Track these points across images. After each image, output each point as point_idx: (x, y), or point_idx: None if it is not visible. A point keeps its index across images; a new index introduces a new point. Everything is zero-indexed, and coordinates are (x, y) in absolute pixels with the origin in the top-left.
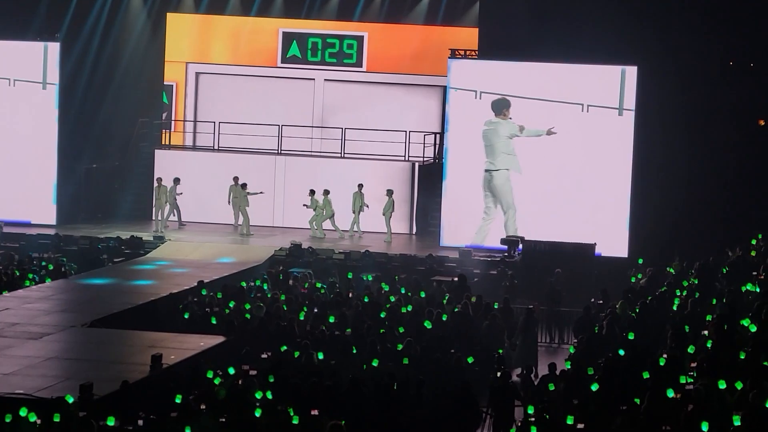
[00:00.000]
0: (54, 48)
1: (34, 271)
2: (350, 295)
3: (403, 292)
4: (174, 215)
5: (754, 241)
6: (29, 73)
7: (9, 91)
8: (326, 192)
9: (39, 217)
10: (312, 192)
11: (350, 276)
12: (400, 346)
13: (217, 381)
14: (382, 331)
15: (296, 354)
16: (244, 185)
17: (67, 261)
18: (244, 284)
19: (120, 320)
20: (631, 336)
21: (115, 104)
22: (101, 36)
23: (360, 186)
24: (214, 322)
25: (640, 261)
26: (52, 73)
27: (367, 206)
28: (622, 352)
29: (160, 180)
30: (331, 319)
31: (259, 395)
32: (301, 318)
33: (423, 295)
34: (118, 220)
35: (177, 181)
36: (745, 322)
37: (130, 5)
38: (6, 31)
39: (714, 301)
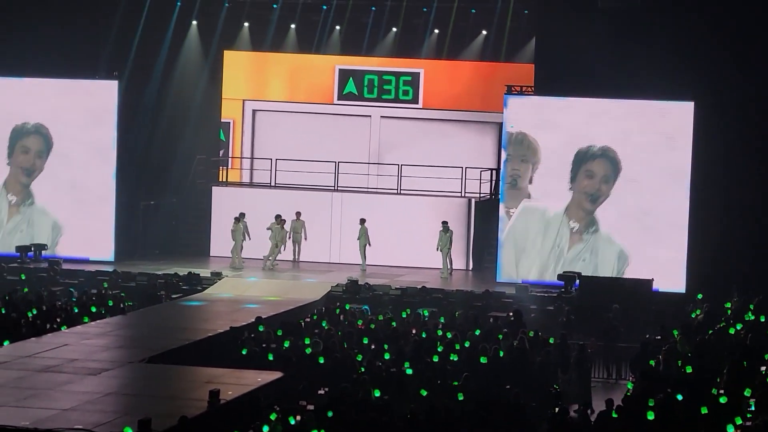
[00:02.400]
0: (113, 86)
1: (94, 303)
2: (413, 331)
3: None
4: (282, 251)
5: None
6: (88, 111)
7: (69, 128)
8: (362, 221)
9: (97, 253)
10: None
11: (404, 314)
12: (456, 383)
13: (273, 416)
14: (436, 359)
15: (354, 390)
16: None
17: (125, 297)
18: (301, 321)
19: (178, 356)
20: (688, 369)
21: (173, 141)
22: (160, 73)
23: (444, 223)
24: (270, 358)
25: (699, 296)
26: (110, 111)
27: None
28: (680, 397)
29: (242, 216)
30: (387, 356)
31: None
32: (359, 357)
33: (478, 332)
34: (176, 256)
35: (281, 219)
36: None
37: (188, 43)
38: (69, 70)
39: None
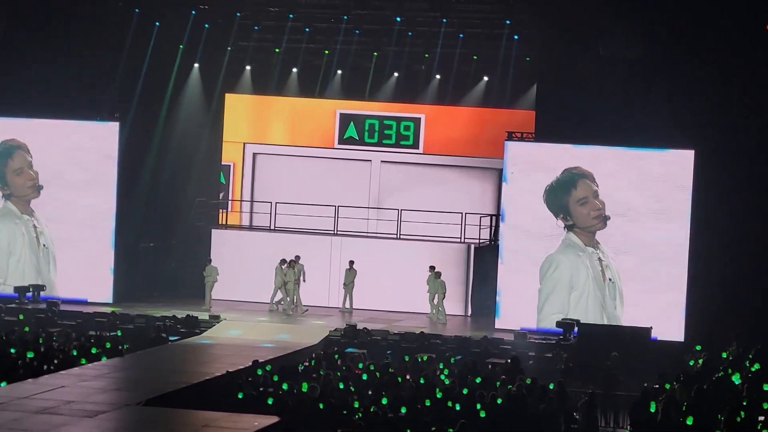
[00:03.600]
0: (114, 128)
1: (92, 345)
2: (408, 377)
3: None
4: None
5: None
6: (90, 153)
7: (69, 170)
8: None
9: (95, 295)
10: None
11: (407, 358)
12: (451, 430)
13: None
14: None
15: None
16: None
17: (123, 339)
18: (300, 365)
19: (175, 399)
20: (689, 421)
21: (173, 183)
22: (162, 115)
23: (432, 268)
24: (270, 402)
25: (698, 348)
26: (111, 153)
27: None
28: None
29: (209, 260)
30: (384, 401)
31: None
32: (356, 404)
33: (479, 380)
34: (175, 299)
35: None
36: None
37: (190, 85)
38: (71, 111)
39: (765, 387)
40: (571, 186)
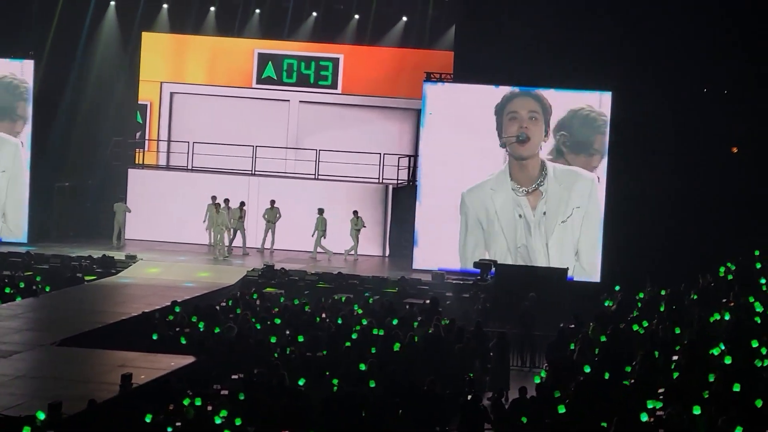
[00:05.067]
0: (28, 65)
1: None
2: (323, 316)
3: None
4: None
5: (723, 269)
6: (4, 91)
7: None
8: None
9: (9, 234)
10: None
11: (323, 300)
12: (363, 366)
13: (186, 401)
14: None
15: (268, 375)
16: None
17: (39, 280)
18: (217, 306)
19: (90, 339)
20: (606, 376)
21: (89, 123)
22: (77, 54)
23: (321, 210)
24: (183, 342)
25: (617, 288)
26: (26, 91)
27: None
28: (587, 369)
29: (121, 199)
30: (300, 339)
31: (224, 413)
32: (273, 339)
33: (395, 322)
34: (91, 239)
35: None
36: (716, 351)
37: (105, 24)
38: None
39: (677, 330)
40: (511, 99)
